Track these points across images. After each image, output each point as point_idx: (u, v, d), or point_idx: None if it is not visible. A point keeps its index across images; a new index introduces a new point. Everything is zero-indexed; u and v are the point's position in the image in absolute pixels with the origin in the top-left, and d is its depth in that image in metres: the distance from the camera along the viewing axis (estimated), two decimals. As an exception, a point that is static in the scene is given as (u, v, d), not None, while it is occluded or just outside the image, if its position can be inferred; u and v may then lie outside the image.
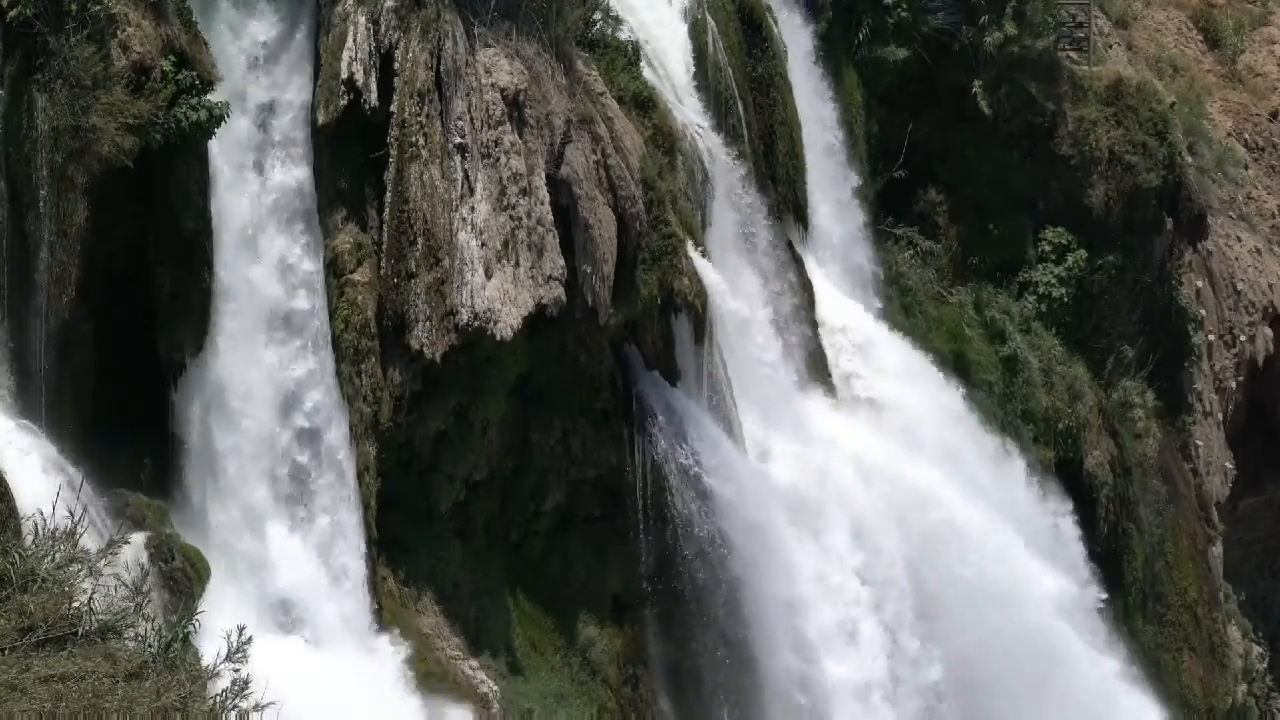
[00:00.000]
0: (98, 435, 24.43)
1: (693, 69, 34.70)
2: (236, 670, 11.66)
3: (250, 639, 11.75)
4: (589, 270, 29.23)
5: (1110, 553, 41.42)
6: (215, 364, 25.99)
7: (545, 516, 30.87)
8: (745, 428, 32.84)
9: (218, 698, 11.55)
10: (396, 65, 27.84)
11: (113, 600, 12.79)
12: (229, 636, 11.79)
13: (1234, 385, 46.99)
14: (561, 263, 28.76)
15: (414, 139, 27.78)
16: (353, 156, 27.91)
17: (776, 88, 36.76)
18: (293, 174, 27.15)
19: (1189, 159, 43.89)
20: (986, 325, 40.99)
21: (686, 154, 33.19)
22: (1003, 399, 40.19)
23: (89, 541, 14.04)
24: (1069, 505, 39.91)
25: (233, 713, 11.44)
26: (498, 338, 28.01)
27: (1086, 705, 37.54)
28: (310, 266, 27.28)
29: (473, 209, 28.07)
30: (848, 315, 37.74)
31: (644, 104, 32.29)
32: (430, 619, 28.72)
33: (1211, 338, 45.99)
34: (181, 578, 24.11)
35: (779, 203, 36.40)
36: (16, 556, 12.75)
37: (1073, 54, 43.63)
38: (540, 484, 30.73)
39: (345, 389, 27.47)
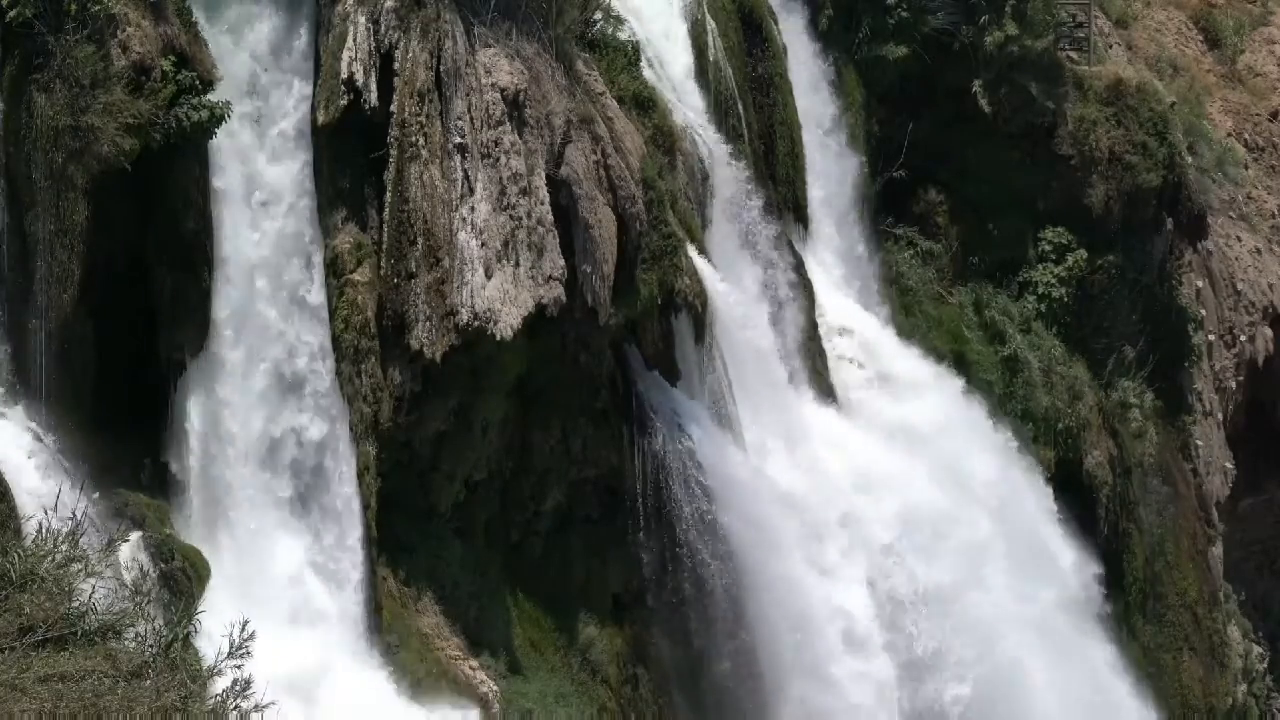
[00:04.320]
0: (98, 435, 24.42)
1: (693, 69, 34.70)
2: (239, 667, 11.65)
3: (253, 633, 11.74)
4: (589, 270, 29.23)
5: (1110, 553, 41.42)
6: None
7: (545, 516, 30.87)
8: (745, 427, 32.83)
9: (218, 697, 11.54)
10: (396, 65, 27.83)
11: (113, 600, 12.78)
12: (231, 632, 11.78)
13: (1234, 385, 46.98)
14: (561, 263, 28.76)
15: (414, 139, 27.78)
16: (353, 156, 27.90)
17: (776, 88, 36.76)
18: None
19: (1189, 159, 43.88)
20: (986, 325, 40.99)
21: (686, 154, 33.19)
22: (1003, 399, 40.19)
23: (89, 542, 14.03)
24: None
25: (234, 713, 11.43)
26: (498, 338, 28.00)
27: (1087, 699, 37.59)
28: None
29: (473, 209, 28.07)
30: (848, 315, 37.74)
31: (644, 104, 32.29)
32: (430, 619, 28.72)
33: (1211, 338, 45.99)
34: (181, 578, 24.11)
35: (779, 202, 36.40)
36: (16, 556, 12.74)
37: (1073, 54, 43.62)
38: (540, 484, 30.73)
39: (345, 389, 27.46)
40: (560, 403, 30.57)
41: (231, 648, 11.61)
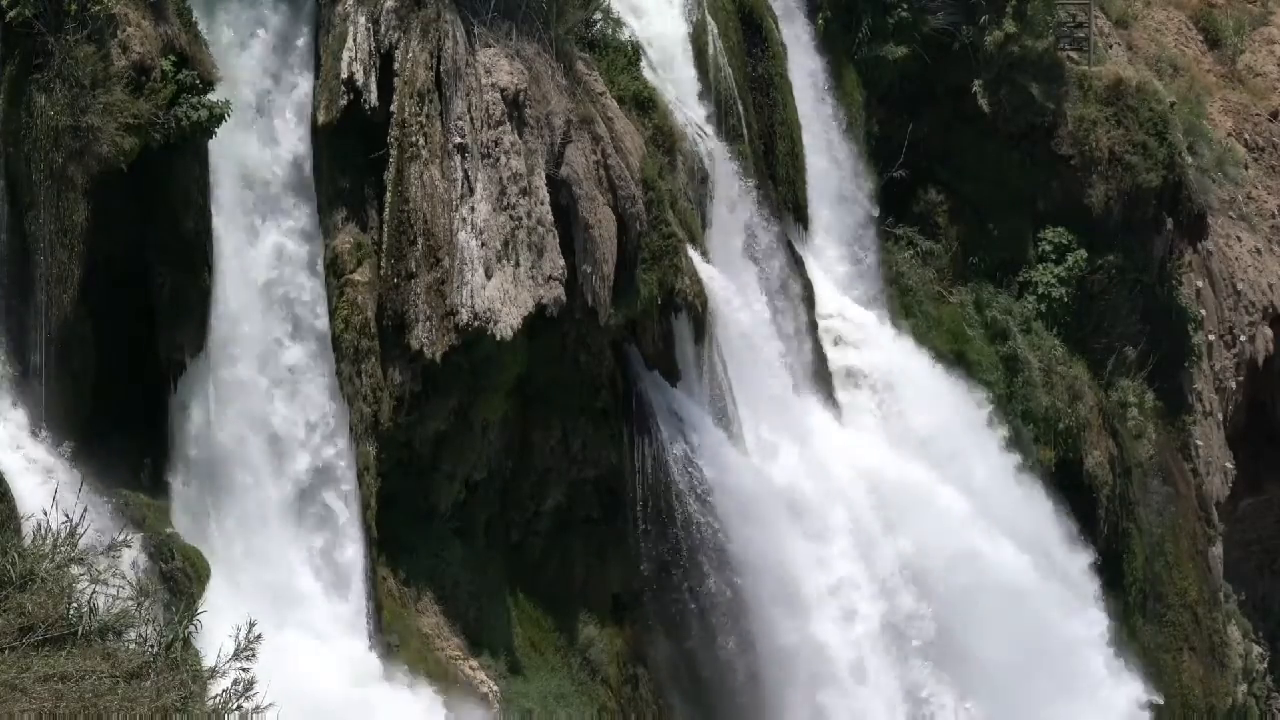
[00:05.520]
0: (98, 435, 24.41)
1: (693, 69, 34.69)
2: (245, 669, 11.63)
3: (260, 635, 11.71)
4: (589, 270, 29.23)
5: (1110, 553, 41.41)
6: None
7: (545, 516, 30.86)
8: (745, 427, 32.82)
9: (220, 697, 11.52)
10: (396, 65, 27.83)
11: (114, 601, 12.76)
12: (237, 633, 11.75)
13: (1234, 385, 46.98)
14: (561, 263, 28.76)
15: (414, 139, 27.78)
16: (353, 156, 27.89)
17: (776, 88, 36.76)
18: None
19: (1189, 159, 43.86)
20: (987, 325, 40.99)
21: (686, 154, 33.19)
22: (1003, 399, 40.18)
23: (89, 542, 14.01)
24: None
25: (235, 713, 11.42)
26: (498, 338, 28.00)
27: (1080, 694, 37.58)
28: None
29: (473, 209, 28.07)
30: (847, 314, 37.73)
31: (644, 104, 32.29)
32: (430, 619, 28.71)
33: (1211, 338, 45.98)
34: (181, 578, 24.10)
35: (779, 203, 36.40)
36: (16, 556, 12.73)
37: (1073, 54, 43.61)
38: (540, 484, 30.73)
39: (345, 389, 27.45)
40: (560, 403, 30.57)
41: (237, 649, 11.59)
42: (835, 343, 36.99)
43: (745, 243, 34.66)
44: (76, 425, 24.28)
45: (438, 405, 28.68)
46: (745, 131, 35.39)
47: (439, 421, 28.90)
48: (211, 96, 25.02)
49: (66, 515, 13.82)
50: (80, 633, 12.11)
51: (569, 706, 29.81)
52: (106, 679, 11.57)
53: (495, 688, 28.69)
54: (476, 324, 27.75)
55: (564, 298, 28.77)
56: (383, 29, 27.79)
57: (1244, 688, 45.55)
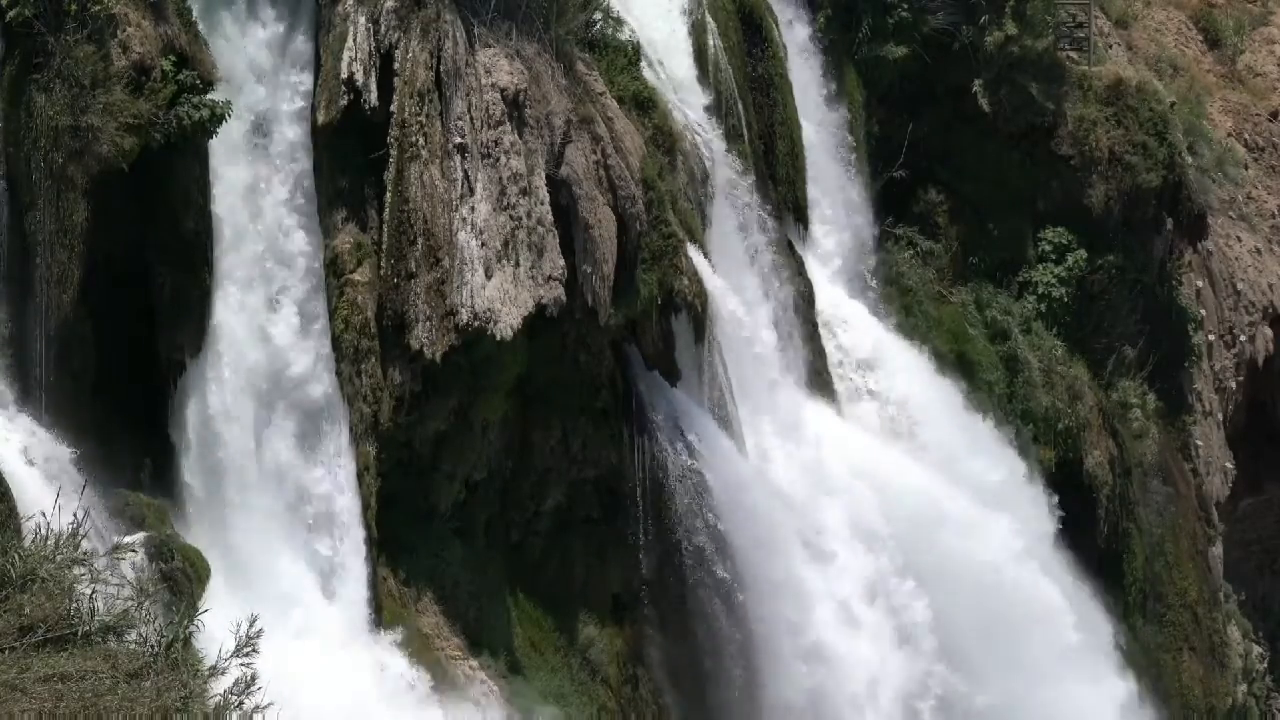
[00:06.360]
0: (98, 435, 24.41)
1: (693, 69, 34.70)
2: (247, 665, 11.61)
3: (260, 630, 11.69)
4: (589, 270, 29.23)
5: (1110, 553, 41.42)
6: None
7: (545, 516, 30.86)
8: (745, 427, 32.82)
9: (222, 695, 11.51)
10: (396, 65, 27.83)
11: (114, 601, 12.75)
12: (239, 629, 11.73)
13: (1234, 385, 46.98)
14: (561, 263, 28.76)
15: (414, 139, 27.78)
16: (353, 156, 27.90)
17: (776, 88, 36.76)
18: None
19: (1189, 159, 43.85)
20: (987, 325, 41.00)
21: (686, 154, 33.18)
22: (1003, 399, 40.18)
23: (89, 543, 14.00)
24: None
25: (235, 711, 11.41)
26: (498, 338, 28.00)
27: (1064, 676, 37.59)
28: None
29: (473, 209, 28.07)
30: (847, 315, 37.74)
31: (644, 104, 32.28)
32: (430, 619, 28.72)
33: (1211, 338, 45.99)
34: (181, 578, 24.10)
35: (779, 203, 36.40)
36: (16, 557, 12.72)
37: (1073, 54, 43.62)
38: (540, 484, 30.73)
39: (345, 389, 27.46)
40: (560, 403, 30.57)
41: (238, 645, 11.58)
42: (834, 342, 36.98)
43: (745, 243, 34.65)
44: (76, 425, 24.28)
45: (438, 405, 28.68)
46: (745, 131, 35.39)
47: (439, 421, 28.90)
48: (212, 96, 25.03)
49: (74, 515, 13.81)
50: (81, 633, 12.10)
51: (569, 706, 29.81)
52: (107, 679, 11.56)
53: (495, 688, 28.69)
54: (476, 324, 27.75)
55: (564, 298, 28.77)
56: (383, 29, 27.79)
57: (1244, 688, 45.56)
